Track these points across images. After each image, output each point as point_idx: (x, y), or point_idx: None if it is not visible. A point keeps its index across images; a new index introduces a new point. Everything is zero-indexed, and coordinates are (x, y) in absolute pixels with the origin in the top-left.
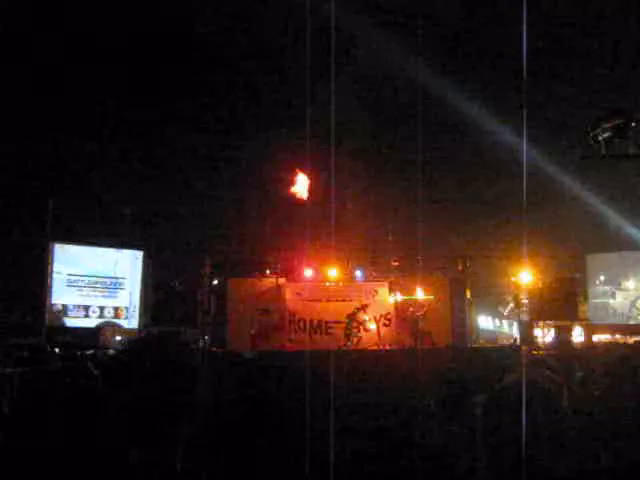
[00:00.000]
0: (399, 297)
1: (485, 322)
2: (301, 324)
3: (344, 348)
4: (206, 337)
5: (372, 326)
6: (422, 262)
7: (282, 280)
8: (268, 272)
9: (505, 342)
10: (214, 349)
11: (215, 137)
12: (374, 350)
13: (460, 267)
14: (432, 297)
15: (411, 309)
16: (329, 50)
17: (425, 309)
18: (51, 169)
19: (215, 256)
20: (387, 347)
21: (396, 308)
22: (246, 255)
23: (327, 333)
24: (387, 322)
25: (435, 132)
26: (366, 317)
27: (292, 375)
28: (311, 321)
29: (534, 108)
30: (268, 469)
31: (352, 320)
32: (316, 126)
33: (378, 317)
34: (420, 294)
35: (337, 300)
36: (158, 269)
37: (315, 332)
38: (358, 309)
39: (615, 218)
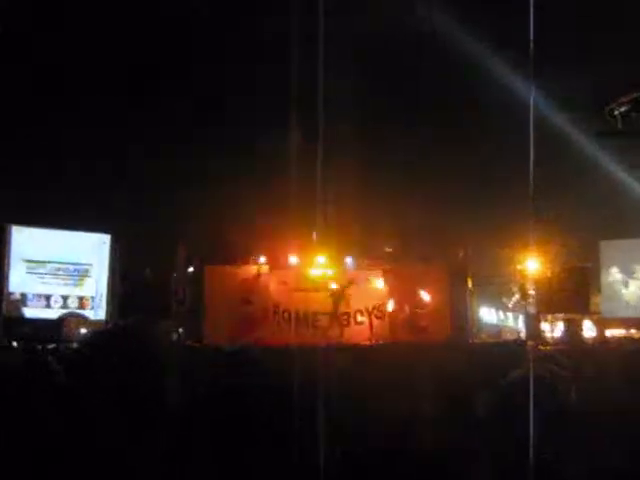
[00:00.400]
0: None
1: (488, 315)
2: (286, 316)
3: (334, 341)
4: (180, 330)
5: (362, 318)
6: (419, 249)
7: (265, 268)
8: (250, 259)
9: (510, 337)
10: (189, 343)
11: (188, 108)
12: (365, 346)
13: (461, 254)
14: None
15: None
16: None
17: (429, 308)
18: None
19: (191, 241)
20: (379, 342)
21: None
22: (225, 240)
23: (314, 326)
24: (379, 314)
25: (435, 105)
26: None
27: (276, 373)
28: (297, 313)
29: (544, 82)
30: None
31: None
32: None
33: (370, 309)
34: (425, 296)
35: (325, 290)
36: (127, 255)
37: (301, 325)
38: (341, 290)
39: (631, 201)
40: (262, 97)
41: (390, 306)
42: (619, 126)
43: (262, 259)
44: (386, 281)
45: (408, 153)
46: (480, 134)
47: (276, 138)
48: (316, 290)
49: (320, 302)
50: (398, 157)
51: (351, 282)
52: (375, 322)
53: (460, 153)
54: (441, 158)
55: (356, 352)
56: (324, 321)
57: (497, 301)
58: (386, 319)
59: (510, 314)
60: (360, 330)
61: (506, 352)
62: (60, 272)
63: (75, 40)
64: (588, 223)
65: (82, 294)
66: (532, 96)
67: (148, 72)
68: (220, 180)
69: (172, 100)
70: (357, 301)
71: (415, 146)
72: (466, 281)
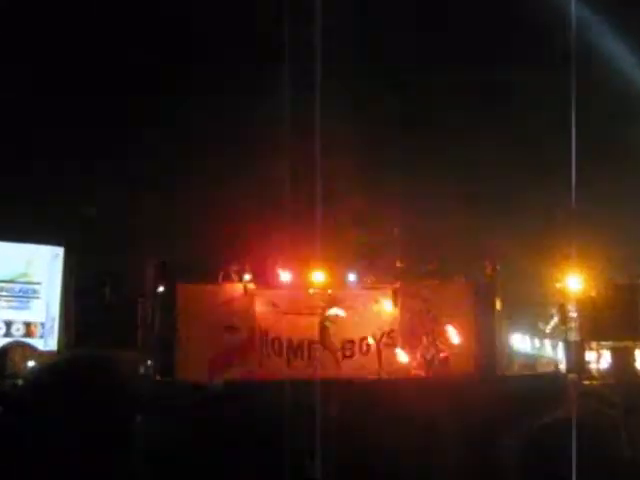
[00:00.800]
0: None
1: (521, 342)
2: (276, 345)
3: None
4: (149, 362)
5: (369, 346)
6: (437, 263)
7: (251, 286)
8: (232, 276)
9: (547, 368)
10: (159, 378)
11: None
12: (373, 382)
13: (488, 270)
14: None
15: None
16: None
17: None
18: None
19: (161, 254)
20: (388, 376)
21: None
22: (202, 253)
23: (311, 357)
24: (389, 341)
25: (458, 91)
26: (369, 339)
27: (262, 417)
28: (289, 341)
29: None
30: None
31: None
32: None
33: (379, 335)
34: (446, 322)
35: (324, 314)
36: (84, 272)
37: (295, 356)
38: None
39: None
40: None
41: (401, 332)
42: None
43: (247, 276)
44: (397, 302)
45: (423, 146)
46: (514, 123)
47: (262, 123)
48: (312, 314)
49: (317, 328)
50: (413, 156)
51: (332, 303)
52: (384, 352)
53: (488, 146)
54: (463, 150)
55: (357, 389)
56: (324, 351)
57: (532, 326)
58: (397, 348)
59: (547, 341)
60: (366, 361)
61: (542, 387)
62: (2, 292)
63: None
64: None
65: (30, 319)
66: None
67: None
68: (195, 182)
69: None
70: (363, 327)
71: (429, 138)
72: (494, 302)
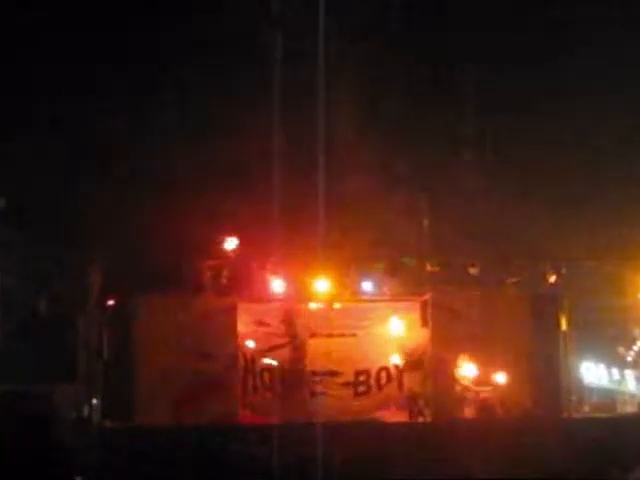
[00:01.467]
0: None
1: (594, 373)
2: (266, 377)
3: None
4: (94, 401)
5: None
6: (482, 268)
7: (231, 300)
8: (207, 285)
9: (630, 409)
10: (109, 423)
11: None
12: (395, 426)
13: (550, 278)
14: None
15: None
16: None
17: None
18: None
19: (110, 260)
20: (420, 418)
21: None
22: (167, 255)
23: (313, 392)
24: (415, 365)
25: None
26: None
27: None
28: (284, 372)
29: None
30: None
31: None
32: None
33: (402, 364)
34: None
35: (330, 335)
36: (10, 283)
37: (293, 391)
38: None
39: None
40: None
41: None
42: None
43: (228, 285)
44: (427, 318)
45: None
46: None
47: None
48: (314, 335)
49: (322, 354)
50: (447, 131)
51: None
52: (408, 380)
53: (550, 135)
54: (520, 141)
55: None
56: (331, 385)
57: (609, 352)
58: (425, 374)
59: (630, 372)
60: (386, 394)
61: (626, 434)
62: None
63: None
64: None
65: None
66: None
67: None
68: (155, 159)
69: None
70: (381, 353)
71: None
72: (559, 319)
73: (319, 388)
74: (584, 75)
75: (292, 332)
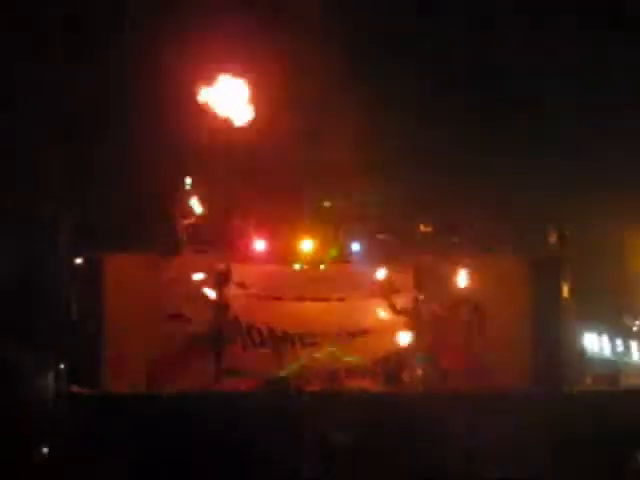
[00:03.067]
0: None
1: (597, 344)
2: (254, 334)
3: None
4: (62, 366)
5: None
6: (479, 229)
7: (210, 260)
8: (184, 244)
9: (636, 382)
10: (76, 389)
11: None
12: (390, 395)
13: (552, 239)
14: None
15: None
16: None
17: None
18: None
19: (78, 212)
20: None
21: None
22: (140, 209)
23: (306, 353)
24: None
25: None
26: None
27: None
28: (271, 330)
29: None
30: None
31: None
32: None
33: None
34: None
35: (315, 298)
36: None
37: (285, 348)
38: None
39: None
40: None
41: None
42: None
43: (205, 244)
44: (420, 285)
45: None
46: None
47: None
48: (300, 299)
49: (308, 319)
50: (441, 73)
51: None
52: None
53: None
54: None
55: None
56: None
57: (613, 321)
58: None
59: (635, 343)
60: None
61: (631, 411)
62: None
63: None
64: None
65: None
66: None
67: None
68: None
69: None
70: (367, 319)
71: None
72: (560, 286)
73: (311, 349)
74: None
75: (275, 295)
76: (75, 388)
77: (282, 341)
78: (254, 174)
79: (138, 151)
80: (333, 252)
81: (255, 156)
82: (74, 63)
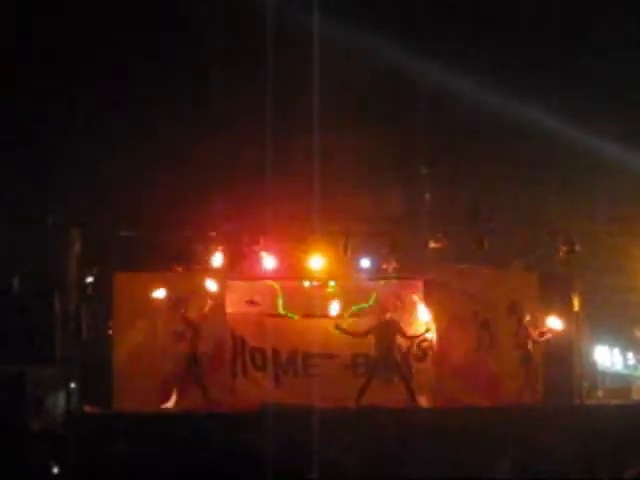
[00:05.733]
0: None
1: (608, 358)
2: (258, 358)
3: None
4: (72, 385)
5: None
6: (489, 242)
7: (220, 277)
8: (193, 260)
9: None
10: (88, 409)
11: None
12: (401, 411)
13: (562, 252)
14: None
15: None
16: None
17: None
18: None
19: (90, 231)
20: (422, 403)
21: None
22: (151, 226)
23: (308, 374)
24: (421, 354)
25: None
26: None
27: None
28: (276, 352)
29: None
30: None
31: None
32: None
33: (406, 347)
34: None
35: (325, 315)
36: None
37: (285, 373)
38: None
39: None
40: None
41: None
42: None
43: (216, 259)
44: (429, 298)
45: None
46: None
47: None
48: (309, 315)
49: (317, 335)
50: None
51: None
52: (415, 366)
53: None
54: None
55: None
56: (327, 367)
57: (624, 334)
58: (429, 361)
59: None
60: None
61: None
62: None
63: None
64: None
65: None
66: None
67: None
68: (138, 115)
69: None
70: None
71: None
72: (571, 299)
73: (315, 371)
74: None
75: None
76: (88, 407)
77: (285, 364)
78: (262, 190)
79: (155, 179)
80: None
81: (264, 173)
82: None
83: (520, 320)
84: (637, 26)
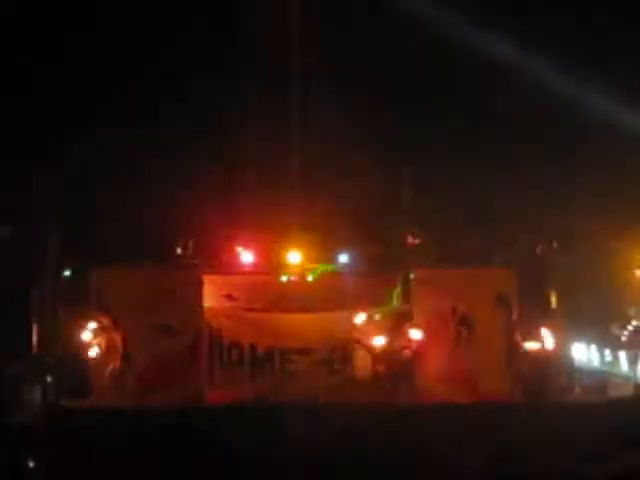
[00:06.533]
0: None
1: (584, 354)
2: (234, 354)
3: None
4: (49, 378)
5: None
6: (468, 240)
7: (197, 271)
8: (171, 254)
9: (622, 392)
10: (64, 402)
11: None
12: (383, 408)
13: (539, 250)
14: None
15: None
16: None
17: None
18: None
19: (67, 223)
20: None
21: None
22: (129, 222)
23: (285, 371)
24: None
25: None
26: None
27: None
28: (253, 347)
29: None
30: None
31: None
32: None
33: (385, 343)
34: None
35: (303, 310)
36: None
37: (262, 369)
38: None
39: None
40: None
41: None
42: None
43: (193, 256)
44: (409, 297)
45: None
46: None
47: None
48: (286, 310)
49: (294, 331)
50: (428, 85)
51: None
52: (382, 367)
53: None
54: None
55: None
56: (303, 363)
57: (601, 331)
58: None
59: (623, 353)
60: (369, 380)
61: (616, 419)
62: None
63: None
64: None
65: None
66: None
67: None
68: (118, 122)
69: None
70: (361, 331)
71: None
72: (548, 296)
73: (292, 367)
74: None
75: (262, 307)
76: (64, 401)
77: (262, 360)
78: (243, 186)
79: (131, 174)
80: (322, 267)
81: (245, 168)
82: None
83: (509, 314)
84: None
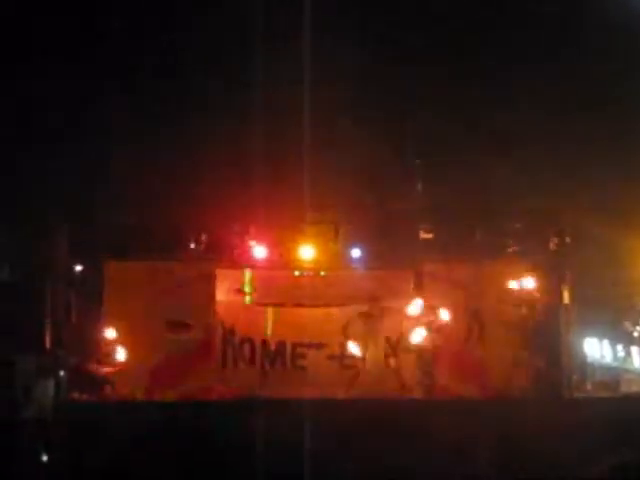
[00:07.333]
0: None
1: (598, 350)
2: (246, 349)
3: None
4: (62, 373)
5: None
6: (481, 234)
7: (210, 265)
8: (183, 249)
9: (636, 388)
10: (76, 396)
11: None
12: (395, 401)
13: (553, 244)
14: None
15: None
16: None
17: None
18: None
19: (78, 222)
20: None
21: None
22: (140, 217)
23: (296, 366)
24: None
25: None
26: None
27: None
28: (265, 343)
29: None
30: None
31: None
32: None
33: (395, 339)
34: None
35: (316, 304)
36: None
37: (272, 364)
38: (366, 317)
39: None
40: None
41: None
42: None
43: (205, 250)
44: (422, 291)
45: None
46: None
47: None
48: (299, 305)
49: (306, 326)
50: (439, 78)
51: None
52: (403, 360)
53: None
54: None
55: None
56: (315, 357)
57: (614, 327)
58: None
59: (636, 349)
60: (381, 374)
61: (628, 414)
62: None
63: None
64: None
65: None
66: None
67: None
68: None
69: None
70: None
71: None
72: (561, 291)
73: (303, 363)
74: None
75: (275, 302)
76: (76, 395)
77: (274, 355)
78: (256, 181)
79: (142, 168)
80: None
81: (257, 163)
82: None
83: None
84: None
